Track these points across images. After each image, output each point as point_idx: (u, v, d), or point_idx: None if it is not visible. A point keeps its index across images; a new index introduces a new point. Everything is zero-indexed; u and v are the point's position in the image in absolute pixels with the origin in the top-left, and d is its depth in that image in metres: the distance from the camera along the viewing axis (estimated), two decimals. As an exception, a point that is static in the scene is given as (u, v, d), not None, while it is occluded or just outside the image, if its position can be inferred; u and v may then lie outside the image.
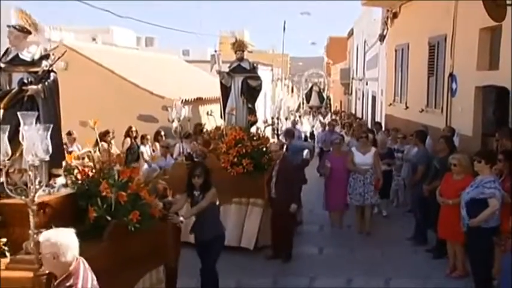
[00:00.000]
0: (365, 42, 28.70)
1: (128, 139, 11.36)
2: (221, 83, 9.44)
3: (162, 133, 11.60)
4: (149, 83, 13.17)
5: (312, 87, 44.19)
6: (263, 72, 32.09)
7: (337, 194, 9.50)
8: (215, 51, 9.80)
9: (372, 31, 23.91)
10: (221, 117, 9.62)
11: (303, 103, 45.11)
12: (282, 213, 7.92)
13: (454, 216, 6.81)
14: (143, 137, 11.40)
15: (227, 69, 9.69)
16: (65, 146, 10.47)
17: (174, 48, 35.91)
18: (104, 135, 11.04)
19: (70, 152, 10.49)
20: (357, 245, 8.78)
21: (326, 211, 10.04)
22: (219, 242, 6.45)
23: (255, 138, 8.84)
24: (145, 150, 11.16)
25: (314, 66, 51.42)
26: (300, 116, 30.88)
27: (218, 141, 9.05)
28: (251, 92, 9.32)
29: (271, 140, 11.03)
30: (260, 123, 11.09)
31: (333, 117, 28.38)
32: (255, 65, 9.63)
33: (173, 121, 10.52)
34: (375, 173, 9.41)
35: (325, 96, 45.26)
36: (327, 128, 19.05)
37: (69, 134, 11.13)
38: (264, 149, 8.73)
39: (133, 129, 11.48)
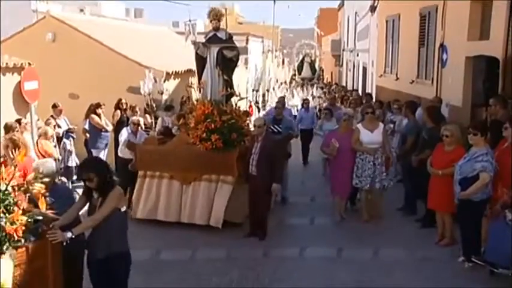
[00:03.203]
0: (356, 13, 28.51)
1: (118, 111, 11.30)
2: (197, 53, 9.00)
3: (154, 104, 11.54)
4: (138, 55, 13.02)
5: (303, 59, 43.90)
6: (254, 43, 31.95)
7: (345, 176, 8.48)
8: (189, 20, 9.16)
9: (363, 2, 23.72)
10: (198, 90, 9.26)
11: (294, 75, 44.89)
12: (260, 190, 7.67)
13: (443, 186, 6.89)
14: (133, 109, 11.34)
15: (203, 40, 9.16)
16: (51, 119, 10.54)
17: (163, 19, 35.53)
18: (96, 108, 11.03)
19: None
20: (347, 216, 8.84)
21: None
22: (123, 262, 4.95)
23: (227, 112, 8.41)
24: (136, 122, 11.09)
25: (305, 38, 51.11)
26: (287, 89, 30.64)
27: (190, 115, 8.73)
28: (227, 63, 8.78)
29: (257, 115, 10.89)
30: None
31: (324, 89, 27.90)
32: (231, 34, 9.15)
33: (144, 95, 10.37)
34: (385, 151, 8.48)
35: (317, 68, 45.02)
36: (320, 102, 18.83)
37: (54, 106, 11.06)
38: (235, 124, 8.36)
39: (123, 101, 11.41)
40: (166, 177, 8.35)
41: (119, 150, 9.73)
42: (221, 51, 8.72)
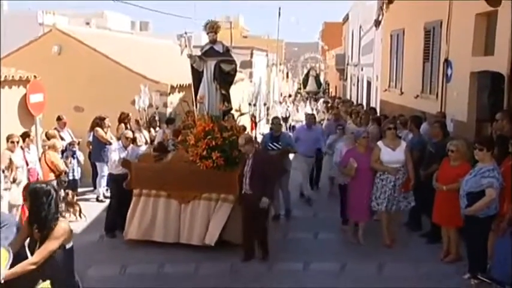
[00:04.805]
0: (360, 27, 28.57)
1: (122, 125, 11.31)
2: (192, 67, 8.66)
3: (157, 118, 11.54)
4: (143, 68, 13.08)
5: (308, 72, 43.91)
6: (258, 57, 32.05)
7: (362, 200, 8.02)
8: (185, 33, 8.76)
9: (368, 16, 23.80)
10: (193, 104, 8.87)
11: (299, 88, 44.93)
12: (256, 210, 7.31)
13: (449, 201, 6.85)
14: (137, 122, 11.34)
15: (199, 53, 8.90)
16: (56, 131, 10.56)
17: (169, 32, 35.66)
18: (100, 120, 11.04)
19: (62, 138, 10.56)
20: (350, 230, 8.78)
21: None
22: None
23: (228, 128, 8.09)
24: (140, 135, 11.11)
25: (309, 52, 51.24)
26: (293, 102, 30.52)
27: (188, 131, 8.34)
28: (224, 77, 8.51)
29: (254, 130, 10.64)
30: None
31: (330, 103, 27.47)
32: (228, 47, 8.84)
33: (139, 110, 10.10)
34: (407, 171, 7.93)
35: (322, 81, 45.02)
36: (326, 117, 18.56)
37: (59, 119, 11.09)
38: (237, 141, 7.88)
39: (130, 115, 11.40)
40: (163, 196, 8.03)
41: (108, 167, 9.43)
42: (218, 65, 8.48)
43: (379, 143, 8.17)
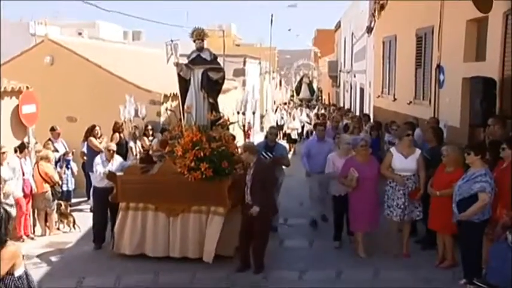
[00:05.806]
0: (352, 34, 28.70)
1: (117, 134, 11.26)
2: (179, 76, 8.45)
3: (149, 127, 11.52)
4: (136, 77, 13.07)
5: (301, 79, 43.97)
6: (251, 65, 32.09)
7: (366, 210, 7.77)
8: (171, 40, 8.50)
9: (360, 23, 23.92)
10: (180, 114, 8.64)
11: (292, 96, 44.99)
12: (258, 220, 7.19)
13: (444, 207, 6.86)
14: (133, 133, 11.29)
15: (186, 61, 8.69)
16: (49, 142, 10.53)
17: (161, 42, 35.60)
18: (91, 130, 11.00)
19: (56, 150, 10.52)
20: (346, 238, 8.78)
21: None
22: None
23: (216, 138, 7.89)
24: (134, 145, 11.08)
25: (302, 59, 51.37)
26: (286, 110, 30.49)
27: (175, 141, 8.06)
28: (212, 86, 8.32)
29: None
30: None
31: (323, 111, 27.35)
32: (216, 55, 8.65)
33: (124, 120, 9.96)
34: (418, 181, 7.66)
35: (315, 88, 45.08)
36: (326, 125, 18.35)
37: (52, 129, 11.05)
38: (226, 151, 7.83)
39: (124, 125, 11.33)
40: (151, 209, 7.86)
41: (93, 180, 9.29)
42: (206, 73, 8.29)
43: (392, 149, 8.02)
